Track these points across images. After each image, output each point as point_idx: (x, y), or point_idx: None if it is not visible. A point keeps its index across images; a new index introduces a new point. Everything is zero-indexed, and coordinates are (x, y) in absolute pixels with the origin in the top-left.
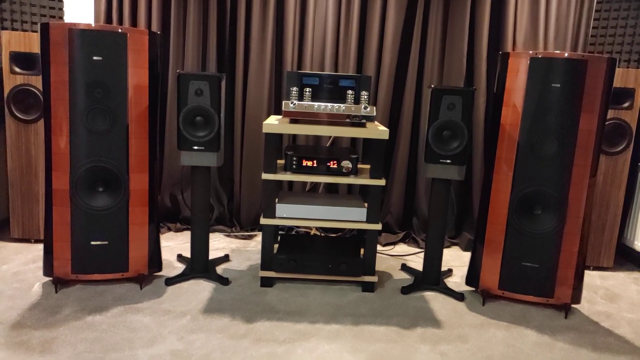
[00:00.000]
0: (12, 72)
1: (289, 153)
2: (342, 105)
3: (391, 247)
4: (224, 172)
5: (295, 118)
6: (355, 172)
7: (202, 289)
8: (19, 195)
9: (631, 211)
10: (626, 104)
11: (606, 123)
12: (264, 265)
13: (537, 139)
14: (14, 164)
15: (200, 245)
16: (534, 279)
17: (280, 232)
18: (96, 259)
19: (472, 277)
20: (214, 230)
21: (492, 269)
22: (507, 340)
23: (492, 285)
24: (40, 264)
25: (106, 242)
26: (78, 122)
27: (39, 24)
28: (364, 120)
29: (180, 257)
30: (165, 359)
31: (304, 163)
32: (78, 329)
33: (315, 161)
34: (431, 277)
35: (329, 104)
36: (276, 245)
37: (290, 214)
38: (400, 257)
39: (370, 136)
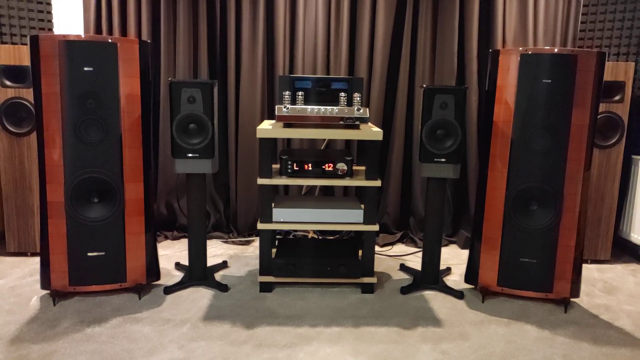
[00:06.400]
0: (3, 85)
1: (283, 157)
2: (335, 107)
3: (389, 247)
4: (219, 178)
5: (289, 122)
6: (350, 174)
7: (201, 296)
8: (14, 208)
9: (626, 203)
10: (617, 97)
11: (598, 117)
12: (263, 270)
13: (530, 135)
14: (7, 178)
15: (197, 252)
16: (533, 275)
17: (277, 237)
18: (93, 270)
19: (471, 274)
20: (211, 237)
21: (490, 266)
22: (508, 337)
23: (491, 282)
24: (37, 277)
25: (103, 253)
26: (71, 133)
27: (28, 37)
28: (357, 122)
29: (178, 265)
30: None
31: (299, 167)
32: (77, 341)
33: (310, 164)
34: (430, 276)
35: (322, 107)
36: (274, 250)
37: (287, 218)
38: (398, 257)
39: (364, 137)
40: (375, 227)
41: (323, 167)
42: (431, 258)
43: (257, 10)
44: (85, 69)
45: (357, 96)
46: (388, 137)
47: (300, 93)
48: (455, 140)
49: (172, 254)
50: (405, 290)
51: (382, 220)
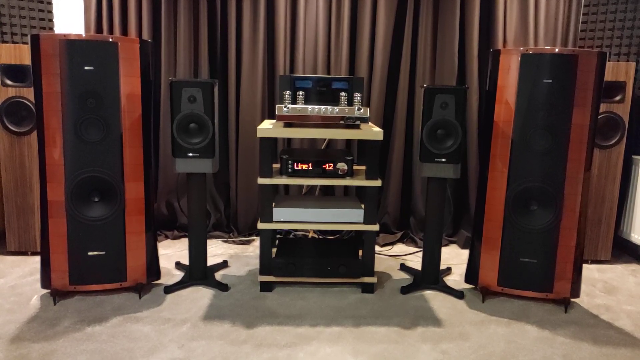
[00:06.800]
0: (4, 84)
1: (284, 157)
2: (335, 107)
3: (389, 247)
4: (219, 177)
5: (289, 122)
6: (351, 173)
7: (201, 295)
8: (14, 208)
9: (626, 204)
10: (618, 98)
11: (599, 117)
12: (263, 270)
13: (531, 134)
14: (8, 177)
15: (198, 252)
16: (533, 275)
17: (278, 236)
18: (94, 269)
19: (471, 274)
20: (212, 237)
21: (490, 265)
22: (508, 337)
23: (492, 282)
24: (38, 276)
25: (103, 252)
26: (71, 132)
27: (29, 36)
28: (357, 122)
29: (178, 265)
30: None
31: (299, 166)
32: (78, 340)
33: (310, 164)
34: (430, 276)
35: (322, 107)
36: (274, 250)
37: (287, 217)
38: (398, 257)
39: (364, 137)
40: (376, 227)
41: (323, 166)
42: (431, 258)
43: (257, 9)
44: (86, 68)
45: (357, 96)
46: (388, 137)
47: (300, 93)
48: (456, 140)
49: (173, 253)
50: (405, 290)
51: (383, 220)
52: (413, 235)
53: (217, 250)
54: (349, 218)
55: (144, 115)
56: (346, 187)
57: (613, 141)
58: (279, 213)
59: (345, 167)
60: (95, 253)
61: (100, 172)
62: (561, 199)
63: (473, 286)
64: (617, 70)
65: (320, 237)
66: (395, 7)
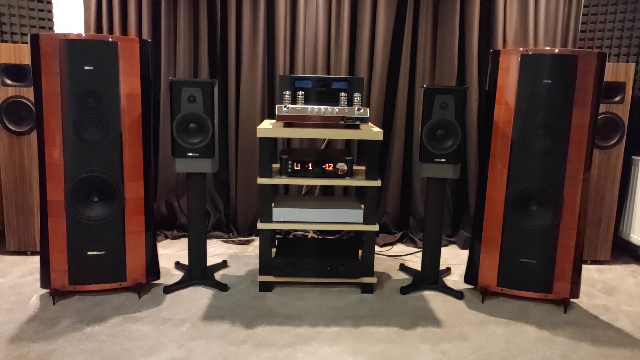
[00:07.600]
0: (4, 84)
1: (283, 157)
2: (335, 107)
3: (389, 247)
4: (219, 177)
5: (289, 122)
6: (350, 173)
7: (200, 295)
8: (14, 207)
9: (626, 204)
10: (617, 98)
11: (598, 117)
12: (263, 270)
13: (531, 135)
14: (7, 177)
15: (197, 252)
16: (532, 275)
17: (277, 236)
18: (93, 269)
19: (471, 275)
20: (211, 237)
21: (490, 266)
22: (508, 337)
23: (491, 283)
24: (37, 276)
25: (103, 252)
26: (71, 132)
27: (29, 35)
28: (357, 122)
29: (178, 265)
30: None
31: (299, 166)
32: (77, 340)
33: (310, 164)
34: (430, 277)
35: (322, 107)
36: (274, 250)
37: (287, 217)
38: (398, 257)
39: (364, 137)
40: (375, 227)
41: (323, 166)
42: (431, 258)
43: (257, 9)
44: (86, 67)
45: (357, 96)
46: (388, 137)
47: (300, 93)
48: (455, 140)
49: (172, 253)
50: (404, 290)
51: (382, 220)
52: (412, 236)
53: (216, 250)
54: (348, 218)
55: (144, 115)
56: (346, 187)
57: (613, 142)
58: (278, 213)
59: (345, 167)
60: (94, 253)
61: (99, 171)
62: (561, 199)
63: (472, 286)
64: (616, 70)
65: (320, 237)
66: (395, 7)
